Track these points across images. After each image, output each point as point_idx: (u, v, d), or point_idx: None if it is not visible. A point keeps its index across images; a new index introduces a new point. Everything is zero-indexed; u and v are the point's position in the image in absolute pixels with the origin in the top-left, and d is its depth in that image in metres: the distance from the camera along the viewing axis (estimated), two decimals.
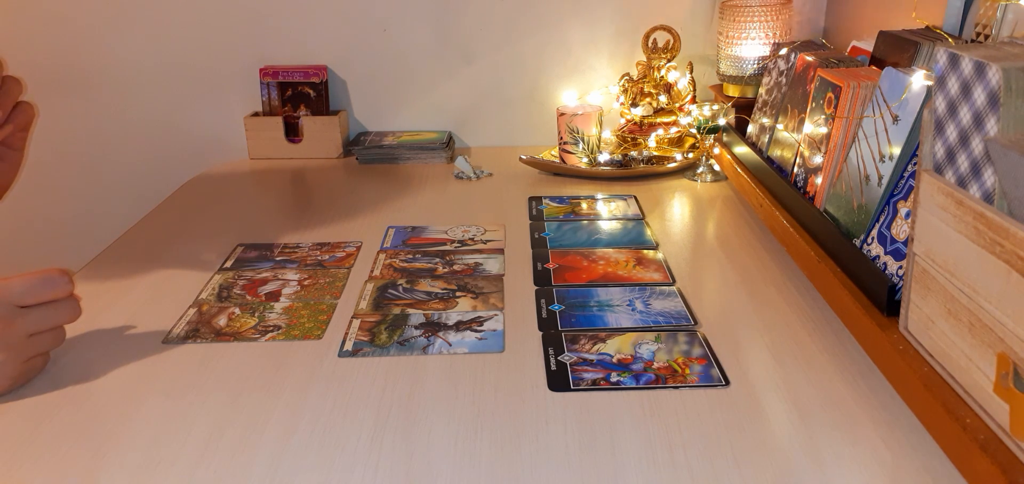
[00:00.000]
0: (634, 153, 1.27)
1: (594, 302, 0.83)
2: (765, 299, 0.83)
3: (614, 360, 0.71)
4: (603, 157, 1.26)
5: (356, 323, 0.80)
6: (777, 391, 0.67)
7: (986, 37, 0.81)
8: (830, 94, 0.88)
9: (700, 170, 1.23)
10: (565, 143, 1.25)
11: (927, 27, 0.92)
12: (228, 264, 0.95)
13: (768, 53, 1.23)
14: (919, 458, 0.58)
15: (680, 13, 1.38)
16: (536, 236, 1.01)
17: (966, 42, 0.85)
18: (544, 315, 0.80)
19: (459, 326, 0.79)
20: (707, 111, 1.18)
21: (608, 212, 1.10)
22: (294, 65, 1.41)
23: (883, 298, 0.68)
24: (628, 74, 1.33)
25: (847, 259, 0.76)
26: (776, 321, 0.79)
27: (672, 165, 1.25)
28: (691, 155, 1.27)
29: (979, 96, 0.55)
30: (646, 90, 1.30)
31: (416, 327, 0.79)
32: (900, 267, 0.69)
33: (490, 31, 1.40)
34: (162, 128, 1.45)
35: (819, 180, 0.89)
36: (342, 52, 1.42)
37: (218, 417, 0.65)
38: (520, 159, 1.29)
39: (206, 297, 0.87)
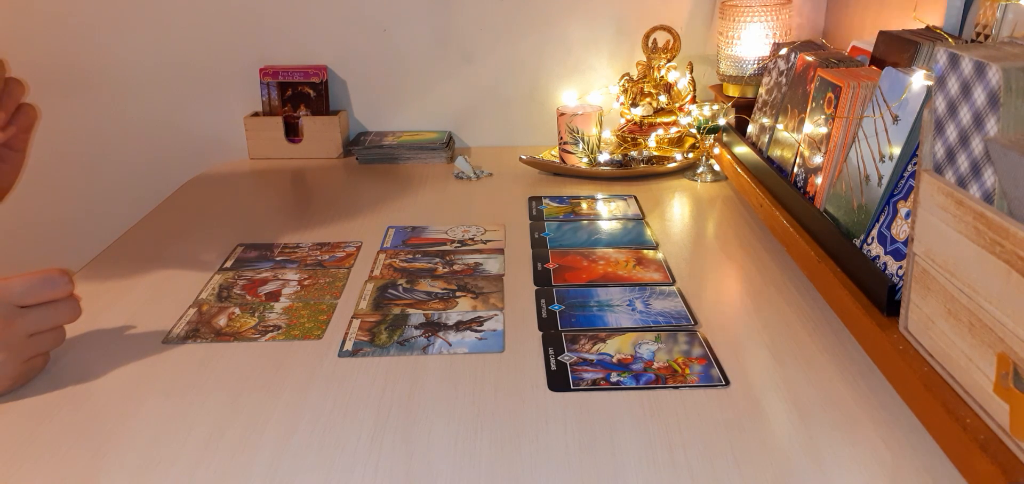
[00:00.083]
0: (634, 153, 1.27)
1: (594, 302, 0.83)
2: (765, 299, 0.83)
3: (614, 360, 0.71)
4: (603, 157, 1.26)
5: (356, 323, 0.80)
6: (777, 391, 0.67)
7: (986, 37, 0.81)
8: (830, 94, 0.88)
9: (700, 170, 1.23)
10: (565, 143, 1.25)
11: (927, 27, 0.92)
12: (228, 264, 0.95)
13: (768, 53, 1.23)
14: (919, 458, 0.58)
15: (680, 13, 1.38)
16: (536, 236, 1.01)
17: (966, 42, 0.85)
18: (544, 315, 0.80)
19: (459, 326, 0.79)
20: (707, 111, 1.18)
21: (608, 212, 1.10)
22: (294, 65, 1.41)
23: (883, 298, 0.68)
24: (628, 74, 1.33)
25: (847, 259, 0.76)
26: (776, 321, 0.79)
27: (672, 165, 1.25)
28: (691, 155, 1.27)
29: (979, 96, 0.55)
30: (646, 90, 1.30)
31: (416, 327, 0.79)
32: (900, 267, 0.69)
33: (490, 31, 1.40)
34: (162, 128, 1.45)
35: (819, 180, 0.89)
36: (342, 52, 1.42)
37: (218, 417, 0.65)
38: (520, 159, 1.29)
39: (206, 297, 0.87)
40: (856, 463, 0.58)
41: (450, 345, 0.75)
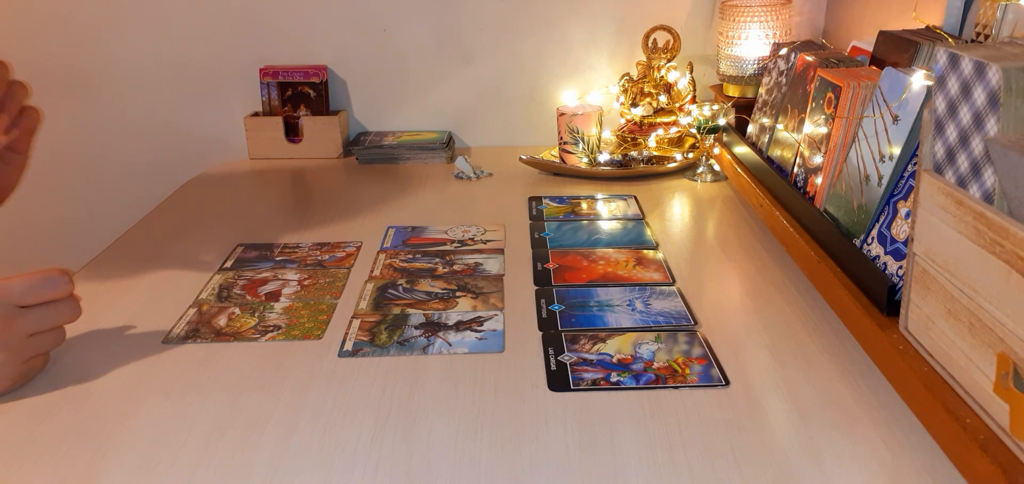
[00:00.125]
0: (634, 153, 1.27)
1: (594, 302, 0.83)
2: (765, 299, 0.83)
3: (614, 360, 0.71)
4: (603, 157, 1.26)
5: (356, 323, 0.80)
6: (777, 391, 0.67)
7: (986, 37, 0.81)
8: (830, 94, 0.88)
9: (700, 170, 1.23)
10: (565, 143, 1.25)
11: (927, 27, 0.92)
12: (228, 264, 0.95)
13: (768, 53, 1.23)
14: (919, 458, 0.58)
15: (680, 13, 1.38)
16: (536, 236, 1.01)
17: (966, 42, 0.85)
18: (544, 315, 0.80)
19: (459, 326, 0.79)
20: (707, 111, 1.18)
21: (608, 212, 1.10)
22: (294, 65, 1.41)
23: (883, 298, 0.68)
24: (628, 74, 1.33)
25: (847, 259, 0.76)
26: (776, 321, 0.79)
27: (672, 165, 1.25)
28: (691, 155, 1.27)
29: (979, 96, 0.55)
30: (646, 90, 1.30)
31: (416, 327, 0.79)
32: (900, 267, 0.69)
33: (490, 31, 1.40)
34: (162, 128, 1.45)
35: (819, 180, 0.89)
36: (342, 52, 1.42)
37: (218, 417, 0.65)
38: (520, 159, 1.29)
39: (206, 297, 0.87)
40: (856, 463, 0.58)
41: (450, 345, 0.75)
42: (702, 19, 1.39)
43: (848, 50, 1.08)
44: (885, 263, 0.71)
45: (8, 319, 0.66)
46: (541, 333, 0.77)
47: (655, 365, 0.71)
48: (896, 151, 0.74)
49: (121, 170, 1.47)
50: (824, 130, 0.89)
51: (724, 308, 0.82)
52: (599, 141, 1.26)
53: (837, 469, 0.57)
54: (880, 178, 0.76)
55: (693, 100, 1.32)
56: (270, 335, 0.78)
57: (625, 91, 1.32)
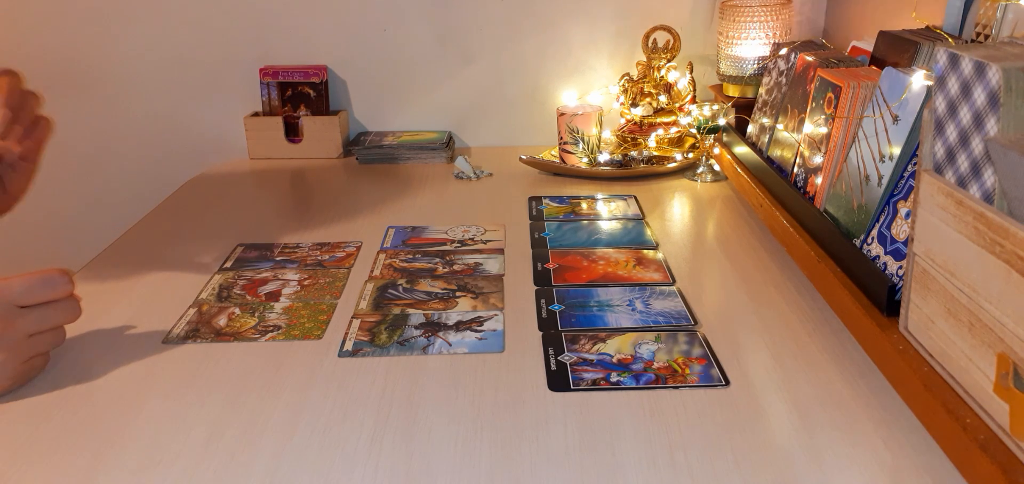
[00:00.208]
0: (634, 153, 1.27)
1: (594, 302, 0.83)
2: (765, 299, 0.83)
3: (614, 360, 0.71)
4: (603, 157, 1.26)
5: (356, 323, 0.80)
6: (777, 391, 0.67)
7: (986, 37, 0.81)
8: (830, 94, 0.88)
9: (700, 170, 1.23)
10: (565, 143, 1.25)
11: (927, 27, 0.92)
12: (228, 264, 0.95)
13: (768, 53, 1.23)
14: (919, 458, 0.58)
15: (680, 13, 1.38)
16: (536, 236, 1.01)
17: (966, 42, 0.85)
18: (544, 315, 0.80)
19: (459, 326, 0.79)
20: (707, 111, 1.18)
21: (608, 212, 1.10)
22: (294, 65, 1.41)
23: (883, 298, 0.68)
24: (628, 74, 1.33)
25: (847, 259, 0.76)
26: (776, 321, 0.79)
27: (672, 165, 1.25)
28: (691, 155, 1.27)
29: (979, 96, 0.55)
30: (646, 90, 1.30)
31: (416, 327, 0.79)
32: (900, 267, 0.69)
33: (490, 31, 1.40)
34: (162, 128, 1.45)
35: (819, 180, 0.89)
36: (342, 52, 1.42)
37: (218, 417, 0.65)
38: (520, 159, 1.29)
39: (206, 297, 0.87)
40: (856, 463, 0.58)
41: (450, 345, 0.75)
42: (702, 19, 1.39)
43: (848, 50, 1.08)
44: (885, 263, 0.71)
45: (8, 319, 0.66)
46: (541, 333, 0.77)
47: (655, 365, 0.71)
48: (896, 151, 0.74)
49: (121, 170, 1.47)
50: (824, 130, 0.89)
51: (724, 308, 0.82)
52: (599, 141, 1.26)
53: (837, 469, 0.57)
54: (880, 178, 0.76)
55: (693, 100, 1.32)
56: (270, 335, 0.78)
57: (625, 91, 1.32)
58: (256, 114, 1.42)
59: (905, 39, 0.88)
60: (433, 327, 0.78)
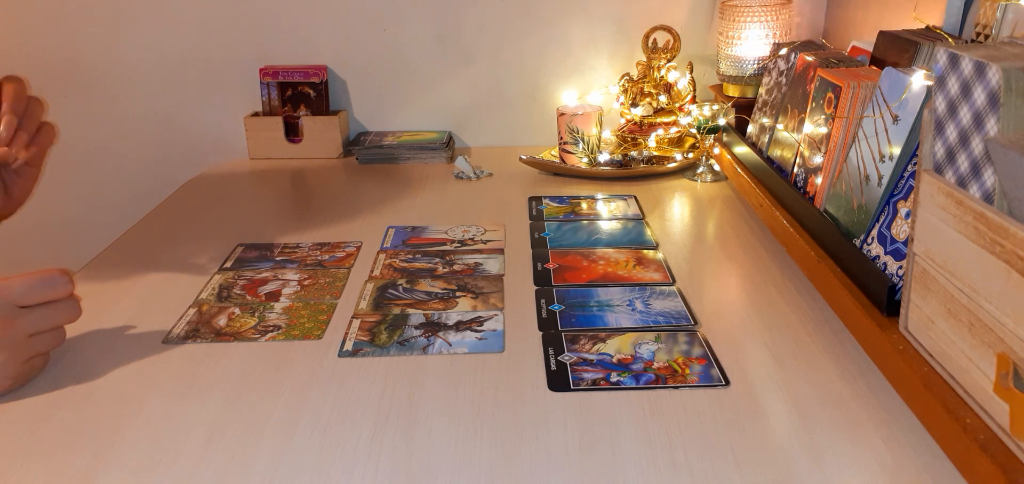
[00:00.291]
0: (634, 153, 1.27)
1: (594, 302, 0.83)
2: (765, 299, 0.83)
3: (614, 360, 0.71)
4: (603, 157, 1.26)
5: (356, 323, 0.80)
6: (777, 391, 0.67)
7: (986, 37, 0.81)
8: (830, 94, 0.88)
9: (700, 170, 1.23)
10: (565, 143, 1.25)
11: (927, 27, 0.92)
12: (228, 264, 0.95)
13: (768, 53, 1.23)
14: (919, 458, 0.58)
15: (680, 13, 1.38)
16: (536, 236, 1.01)
17: (966, 42, 0.85)
18: (544, 315, 0.80)
19: (459, 326, 0.79)
20: (707, 111, 1.18)
21: (608, 212, 1.10)
22: (294, 65, 1.41)
23: (883, 298, 0.68)
24: (628, 74, 1.33)
25: (847, 259, 0.76)
26: (776, 321, 0.79)
27: (672, 165, 1.25)
28: (691, 155, 1.27)
29: (979, 96, 0.55)
30: (646, 90, 1.30)
31: (416, 327, 0.79)
32: (900, 267, 0.69)
33: (490, 31, 1.40)
34: (162, 128, 1.45)
35: (819, 180, 0.89)
36: (342, 52, 1.42)
37: (218, 417, 0.65)
38: (520, 159, 1.29)
39: (206, 297, 0.87)
40: (856, 463, 0.58)
41: (450, 345, 0.75)
42: (702, 19, 1.39)
43: (848, 50, 1.08)
44: (885, 263, 0.71)
45: (8, 319, 0.66)
46: (541, 333, 0.77)
47: (655, 365, 0.71)
48: (896, 151, 0.74)
49: (121, 170, 1.47)
50: (824, 130, 0.89)
51: (724, 308, 0.82)
52: (599, 141, 1.26)
53: (837, 469, 0.57)
54: (880, 178, 0.76)
55: (693, 100, 1.32)
56: (270, 335, 0.78)
57: (625, 91, 1.32)
58: (256, 114, 1.42)
59: (905, 39, 0.88)
60: (433, 327, 0.78)
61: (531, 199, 1.15)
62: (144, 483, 0.57)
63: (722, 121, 1.19)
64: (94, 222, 1.47)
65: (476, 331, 0.77)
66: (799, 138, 0.96)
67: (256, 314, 0.82)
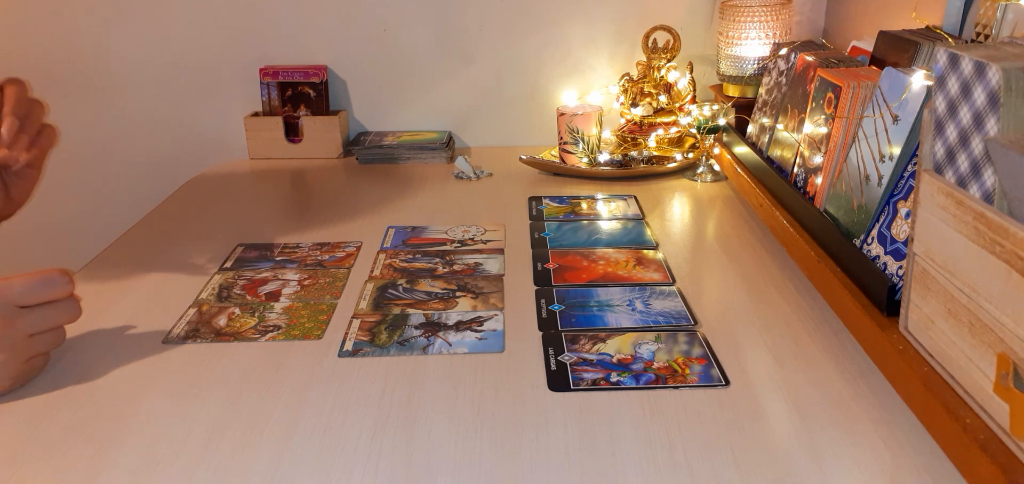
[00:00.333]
0: (634, 153, 1.27)
1: (594, 302, 0.83)
2: (765, 299, 0.83)
3: (614, 360, 0.71)
4: (603, 157, 1.26)
5: (356, 323, 0.80)
6: (777, 391, 0.67)
7: (986, 37, 0.81)
8: (830, 94, 0.88)
9: (700, 170, 1.23)
10: (565, 143, 1.25)
11: (927, 27, 0.92)
12: (228, 264, 0.95)
13: (768, 53, 1.23)
14: (919, 458, 0.58)
15: (680, 13, 1.38)
16: (536, 236, 1.01)
17: (966, 42, 0.85)
18: (544, 315, 0.80)
19: (459, 326, 0.79)
20: (707, 111, 1.18)
21: (608, 212, 1.10)
22: (294, 65, 1.41)
23: (883, 298, 0.68)
24: (628, 74, 1.33)
25: (847, 259, 0.76)
26: (776, 321, 0.79)
27: (672, 165, 1.25)
28: (691, 155, 1.27)
29: (979, 96, 0.55)
30: (646, 90, 1.30)
31: (416, 327, 0.79)
32: (900, 267, 0.69)
33: (490, 31, 1.40)
34: (162, 127, 1.45)
35: (819, 180, 0.89)
36: (342, 52, 1.42)
37: (218, 417, 0.65)
38: (520, 159, 1.29)
39: (206, 297, 0.87)
40: (856, 463, 0.58)
41: (450, 345, 0.75)
42: (702, 19, 1.39)
43: (848, 50, 1.08)
44: (885, 263, 0.71)
45: (8, 319, 0.66)
46: (541, 333, 0.77)
47: (655, 365, 0.71)
48: (896, 151, 0.74)
49: (121, 170, 1.47)
50: (824, 130, 0.89)
51: (724, 308, 0.82)
52: (599, 141, 1.26)
53: (837, 469, 0.57)
54: (880, 178, 0.76)
55: (693, 100, 1.32)
56: (270, 335, 0.78)
57: (625, 91, 1.32)
58: (256, 114, 1.42)
59: (905, 39, 0.88)
60: (433, 327, 0.78)
61: (531, 199, 1.15)
62: (144, 483, 0.57)
63: (722, 121, 1.19)
64: (94, 222, 1.47)
65: (476, 331, 0.77)
66: (799, 138, 0.96)
67: (256, 314, 0.82)
